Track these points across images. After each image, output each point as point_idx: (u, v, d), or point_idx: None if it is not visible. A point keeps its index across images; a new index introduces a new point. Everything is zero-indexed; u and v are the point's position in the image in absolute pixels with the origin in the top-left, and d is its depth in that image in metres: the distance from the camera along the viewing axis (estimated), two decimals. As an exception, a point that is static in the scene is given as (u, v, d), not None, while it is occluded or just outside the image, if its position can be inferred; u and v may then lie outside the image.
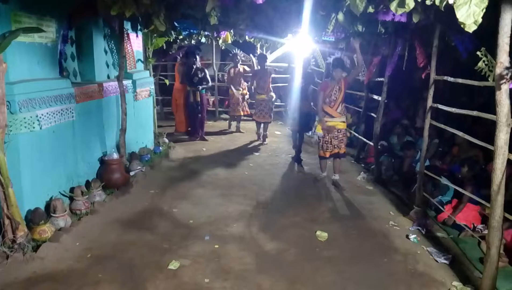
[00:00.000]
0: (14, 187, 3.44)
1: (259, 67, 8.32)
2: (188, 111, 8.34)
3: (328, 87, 5.44)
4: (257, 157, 7.21)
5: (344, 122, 5.53)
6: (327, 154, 5.59)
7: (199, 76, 7.92)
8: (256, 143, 8.21)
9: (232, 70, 8.96)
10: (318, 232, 4.15)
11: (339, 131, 5.48)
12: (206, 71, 8.15)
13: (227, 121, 9.63)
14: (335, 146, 5.52)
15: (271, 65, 9.66)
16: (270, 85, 8.05)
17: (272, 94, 8.11)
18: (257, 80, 8.01)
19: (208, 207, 4.76)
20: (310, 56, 8.79)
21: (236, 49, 9.58)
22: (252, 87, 8.32)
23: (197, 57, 8.07)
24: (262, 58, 8.22)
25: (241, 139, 8.55)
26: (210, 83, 8.29)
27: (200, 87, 8.00)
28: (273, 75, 8.38)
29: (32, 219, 3.72)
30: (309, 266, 3.55)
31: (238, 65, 8.89)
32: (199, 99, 8.08)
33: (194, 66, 7.97)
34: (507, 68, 2.67)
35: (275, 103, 8.96)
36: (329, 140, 5.50)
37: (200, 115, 8.22)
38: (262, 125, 8.19)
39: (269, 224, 4.40)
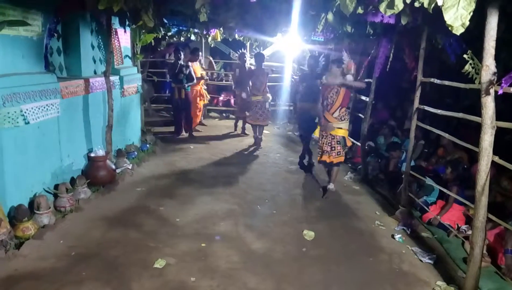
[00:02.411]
0: (-4, 183, 3.38)
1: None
2: (174, 109, 8.24)
3: (327, 88, 5.08)
4: (245, 156, 7.20)
5: (340, 128, 5.06)
6: (323, 159, 5.23)
7: (184, 72, 7.84)
8: (248, 143, 8.14)
9: (237, 70, 8.64)
10: (305, 231, 4.17)
11: (332, 137, 5.08)
12: (191, 68, 8.02)
13: (216, 119, 9.57)
14: (326, 152, 5.16)
15: (267, 64, 9.50)
16: (266, 86, 7.70)
17: (268, 95, 7.69)
18: (253, 80, 7.59)
19: (195, 206, 4.73)
20: (319, 55, 8.12)
21: (243, 49, 9.45)
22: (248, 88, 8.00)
23: (182, 53, 7.98)
24: (259, 57, 7.74)
25: (230, 138, 8.52)
26: (195, 80, 8.18)
27: (186, 85, 7.92)
28: (270, 75, 8.10)
29: (15, 216, 3.66)
30: (296, 265, 3.56)
31: (246, 65, 8.48)
32: (183, 96, 7.98)
33: (179, 63, 7.82)
34: (494, 74, 2.72)
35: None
36: (322, 145, 5.20)
37: (185, 112, 8.11)
38: (257, 128, 7.79)
39: (256, 222, 4.40)
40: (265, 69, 7.87)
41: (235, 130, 9.01)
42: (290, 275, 3.37)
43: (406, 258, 3.77)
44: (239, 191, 5.32)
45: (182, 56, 7.97)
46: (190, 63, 8.22)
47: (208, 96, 9.32)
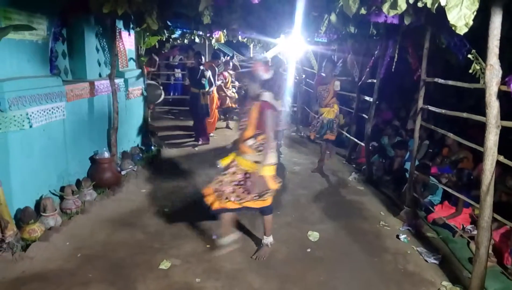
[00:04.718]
0: (3, 186, 3.41)
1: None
2: (198, 114, 7.86)
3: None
4: (249, 157, 7.20)
5: (257, 162, 3.35)
6: (227, 205, 3.43)
7: (206, 77, 7.66)
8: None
9: None
10: (309, 232, 4.17)
11: (247, 175, 3.40)
12: (210, 72, 7.85)
13: (221, 121, 9.51)
14: (238, 196, 3.39)
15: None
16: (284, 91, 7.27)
17: (288, 98, 7.32)
18: (271, 84, 7.37)
19: (200, 207, 4.73)
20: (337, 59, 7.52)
21: (264, 52, 9.36)
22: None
23: (202, 57, 7.90)
24: (276, 61, 7.43)
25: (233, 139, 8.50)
26: (214, 85, 8.08)
27: (210, 89, 7.81)
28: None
29: (22, 218, 3.68)
30: (300, 265, 3.56)
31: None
32: (208, 102, 7.81)
33: (201, 67, 7.59)
34: (498, 73, 2.71)
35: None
36: (227, 181, 3.42)
37: (204, 117, 7.89)
38: (277, 133, 7.58)
39: (261, 223, 4.38)
40: (284, 74, 7.52)
41: None
42: (294, 276, 3.38)
43: (411, 258, 3.76)
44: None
45: (204, 60, 7.84)
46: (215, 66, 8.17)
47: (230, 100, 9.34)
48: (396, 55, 4.99)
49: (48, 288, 3.05)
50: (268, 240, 3.71)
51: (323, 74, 6.25)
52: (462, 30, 2.36)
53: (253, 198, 3.41)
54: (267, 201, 3.52)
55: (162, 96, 8.17)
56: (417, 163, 4.82)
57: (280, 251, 3.79)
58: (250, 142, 3.42)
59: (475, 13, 2.30)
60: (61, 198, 4.37)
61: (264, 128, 3.34)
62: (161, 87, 8.16)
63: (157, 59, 8.53)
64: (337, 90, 6.06)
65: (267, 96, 3.43)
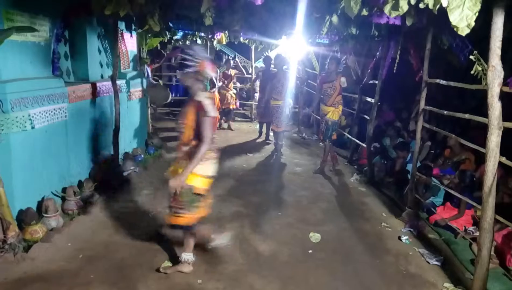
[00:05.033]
0: (5, 187, 3.41)
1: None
2: None
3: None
4: (251, 158, 7.21)
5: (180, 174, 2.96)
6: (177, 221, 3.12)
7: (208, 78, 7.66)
8: (253, 145, 8.16)
9: (260, 74, 8.43)
10: (311, 233, 4.16)
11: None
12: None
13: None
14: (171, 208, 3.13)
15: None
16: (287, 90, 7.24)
17: (289, 100, 7.25)
18: (274, 83, 7.19)
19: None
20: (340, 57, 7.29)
21: (268, 51, 9.31)
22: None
23: None
24: (280, 60, 7.39)
25: (236, 140, 8.54)
26: (217, 86, 8.05)
27: (212, 90, 7.82)
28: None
29: (24, 219, 3.69)
30: (302, 267, 3.55)
31: (271, 69, 8.15)
32: None
33: None
34: (500, 74, 2.71)
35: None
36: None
37: None
38: (278, 134, 7.30)
39: (262, 225, 4.40)
40: (287, 72, 7.39)
41: (260, 136, 8.64)
42: (296, 277, 3.38)
43: (413, 259, 3.76)
44: (245, 193, 5.32)
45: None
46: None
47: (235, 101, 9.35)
48: (397, 56, 4.99)
49: (50, 289, 3.05)
50: (186, 256, 3.24)
51: (324, 74, 6.35)
52: (464, 31, 2.36)
53: (175, 212, 3.03)
54: (186, 218, 3.02)
55: (170, 97, 8.17)
56: (419, 164, 4.81)
57: (281, 252, 3.79)
58: (186, 147, 3.02)
59: (477, 14, 2.31)
60: (63, 199, 4.37)
61: (200, 131, 2.91)
62: (168, 88, 8.17)
63: (166, 54, 8.54)
64: (344, 86, 6.11)
65: (202, 95, 2.95)
